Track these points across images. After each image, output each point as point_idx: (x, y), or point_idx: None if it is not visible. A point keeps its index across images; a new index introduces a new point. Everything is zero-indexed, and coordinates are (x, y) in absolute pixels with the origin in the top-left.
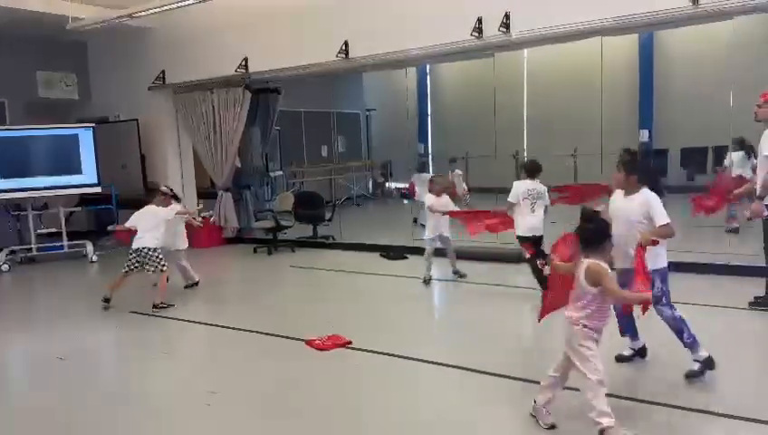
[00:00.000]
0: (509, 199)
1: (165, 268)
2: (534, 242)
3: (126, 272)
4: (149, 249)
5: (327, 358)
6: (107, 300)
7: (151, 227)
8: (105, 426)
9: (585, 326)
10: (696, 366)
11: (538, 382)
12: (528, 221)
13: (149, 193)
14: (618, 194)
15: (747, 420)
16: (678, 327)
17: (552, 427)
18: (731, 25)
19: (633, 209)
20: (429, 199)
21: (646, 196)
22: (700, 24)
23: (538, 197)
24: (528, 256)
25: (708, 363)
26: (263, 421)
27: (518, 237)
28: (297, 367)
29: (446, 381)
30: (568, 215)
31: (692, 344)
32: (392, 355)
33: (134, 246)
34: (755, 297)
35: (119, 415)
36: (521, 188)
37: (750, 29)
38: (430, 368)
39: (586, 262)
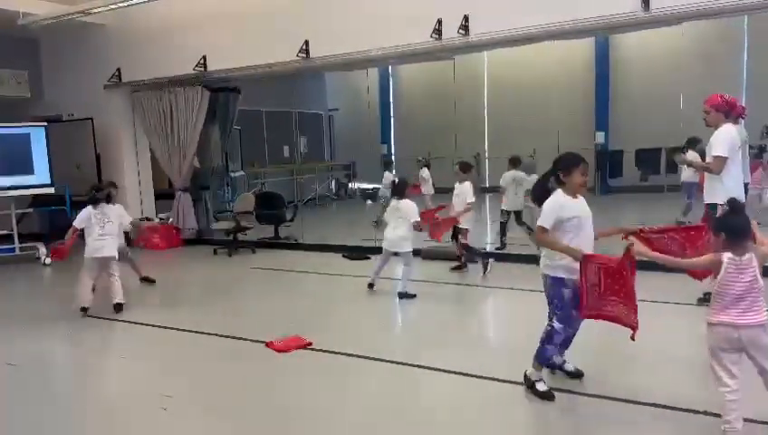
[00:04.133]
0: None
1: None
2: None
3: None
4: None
5: (287, 359)
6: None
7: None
8: (60, 430)
9: None
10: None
11: (497, 380)
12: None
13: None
14: None
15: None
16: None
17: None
18: (681, 30)
19: None
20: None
21: None
22: (652, 28)
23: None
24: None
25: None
26: (220, 424)
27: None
28: (256, 369)
29: (406, 380)
30: None
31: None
32: (352, 355)
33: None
34: (704, 293)
35: (71, 420)
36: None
37: (699, 34)
38: (390, 368)
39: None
